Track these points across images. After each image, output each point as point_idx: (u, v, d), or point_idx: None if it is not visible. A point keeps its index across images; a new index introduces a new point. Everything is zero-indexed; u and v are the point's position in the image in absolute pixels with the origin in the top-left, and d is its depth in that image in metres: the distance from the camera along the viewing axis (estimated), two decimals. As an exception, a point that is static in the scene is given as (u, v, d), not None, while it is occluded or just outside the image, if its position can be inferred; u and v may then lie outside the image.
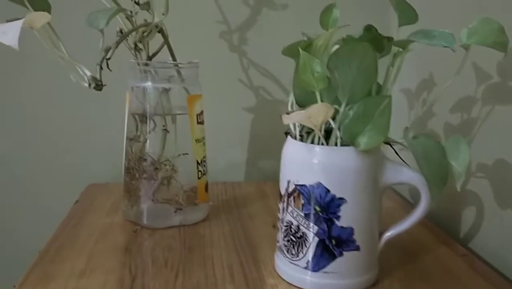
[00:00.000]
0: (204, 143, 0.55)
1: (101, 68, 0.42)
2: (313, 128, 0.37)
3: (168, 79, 0.52)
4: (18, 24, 0.36)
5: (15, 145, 0.69)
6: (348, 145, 0.38)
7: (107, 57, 0.43)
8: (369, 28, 0.37)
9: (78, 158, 0.71)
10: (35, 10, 0.44)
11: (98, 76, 0.42)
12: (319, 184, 0.38)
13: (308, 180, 0.38)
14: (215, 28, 0.69)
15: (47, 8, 0.44)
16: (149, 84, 0.51)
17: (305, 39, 0.42)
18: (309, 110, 0.35)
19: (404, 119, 0.66)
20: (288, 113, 0.36)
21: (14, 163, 0.70)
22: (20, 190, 0.71)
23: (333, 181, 0.38)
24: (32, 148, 0.69)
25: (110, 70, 0.43)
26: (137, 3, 0.50)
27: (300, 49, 0.37)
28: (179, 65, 0.52)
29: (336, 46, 0.42)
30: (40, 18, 0.38)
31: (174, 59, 0.53)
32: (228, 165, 0.73)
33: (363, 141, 0.37)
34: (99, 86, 0.42)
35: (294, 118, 0.38)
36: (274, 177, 0.78)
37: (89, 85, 0.41)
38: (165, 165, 0.53)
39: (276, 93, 0.72)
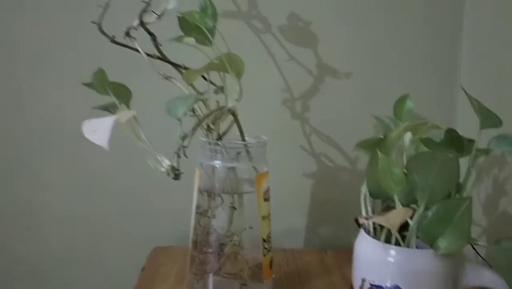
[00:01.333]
0: (269, 219, 0.55)
1: (179, 156, 0.44)
2: (390, 228, 0.37)
3: (236, 157, 0.53)
4: (108, 123, 0.38)
5: (80, 201, 0.72)
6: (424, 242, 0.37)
7: (184, 145, 0.44)
8: (449, 131, 0.37)
9: (142, 220, 0.73)
10: (117, 98, 0.46)
11: (176, 164, 0.43)
12: (397, 287, 0.37)
13: (384, 281, 0.37)
14: (278, 95, 0.70)
15: (129, 96, 0.47)
16: (218, 162, 0.53)
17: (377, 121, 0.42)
18: (388, 216, 0.35)
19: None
20: (366, 218, 0.35)
21: (79, 219, 0.72)
22: (83, 247, 0.73)
23: (411, 284, 0.37)
24: (97, 205, 0.72)
25: (187, 157, 0.45)
26: (212, 83, 0.53)
27: (378, 152, 0.37)
28: (248, 144, 0.53)
29: (409, 134, 0.42)
30: (127, 114, 0.40)
31: (243, 138, 0.54)
32: (288, 230, 0.73)
33: (443, 244, 0.36)
34: (177, 175, 0.43)
35: (372, 220, 0.38)
36: (333, 244, 0.78)
37: (168, 174, 0.43)
38: (232, 240, 0.54)
39: (337, 160, 0.72)
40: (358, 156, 0.72)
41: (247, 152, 0.53)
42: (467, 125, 0.40)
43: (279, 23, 0.68)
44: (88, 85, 0.45)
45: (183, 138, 0.45)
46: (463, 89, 0.38)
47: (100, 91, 0.44)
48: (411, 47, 0.70)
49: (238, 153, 0.53)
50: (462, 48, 0.70)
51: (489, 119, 0.37)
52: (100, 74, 0.43)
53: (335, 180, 0.72)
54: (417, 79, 0.71)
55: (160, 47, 0.51)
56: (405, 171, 0.37)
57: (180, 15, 0.48)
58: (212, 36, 0.47)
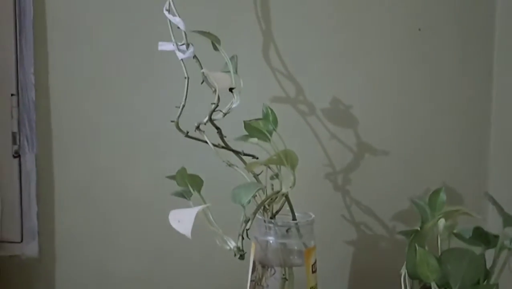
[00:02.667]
0: (317, 289, 0.62)
1: (243, 238, 0.52)
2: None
3: (287, 233, 0.61)
4: (191, 215, 0.47)
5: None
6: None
7: (247, 228, 0.53)
8: (477, 228, 0.44)
9: (196, 279, 0.80)
10: (192, 187, 0.55)
11: (240, 245, 0.51)
12: None
13: None
14: (321, 170, 0.78)
15: (201, 185, 0.56)
16: (271, 238, 0.60)
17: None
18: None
19: None
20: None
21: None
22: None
23: None
24: (158, 268, 0.80)
25: (249, 239, 0.53)
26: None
27: (416, 246, 0.44)
28: (298, 223, 0.61)
29: (443, 221, 0.49)
30: (204, 206, 0.49)
31: (294, 217, 0.62)
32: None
33: (473, 326, 0.42)
34: (242, 256, 0.51)
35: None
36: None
37: (234, 254, 0.51)
38: (283, 308, 0.61)
39: (377, 229, 0.78)
40: (395, 225, 0.78)
41: (297, 229, 0.61)
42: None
43: (323, 106, 0.77)
44: (172, 177, 0.54)
45: (246, 222, 0.53)
46: (488, 194, 0.45)
47: (180, 184, 0.53)
48: (446, 139, 0.77)
49: (289, 229, 0.61)
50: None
51: (509, 220, 0.43)
52: (182, 171, 0.52)
53: (375, 249, 0.78)
54: (449, 168, 0.77)
55: (225, 138, 0.60)
56: (440, 258, 0.43)
57: (246, 123, 0.57)
58: (271, 135, 0.56)
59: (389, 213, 0.78)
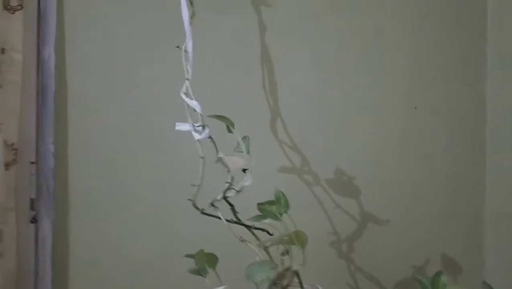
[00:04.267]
0: None
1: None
2: None
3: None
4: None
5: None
6: None
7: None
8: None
9: None
10: (208, 264, 0.58)
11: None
12: None
13: None
14: (326, 238, 0.81)
15: (216, 262, 0.59)
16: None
17: None
18: None
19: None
20: None
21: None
22: None
23: None
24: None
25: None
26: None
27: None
28: (308, 296, 0.64)
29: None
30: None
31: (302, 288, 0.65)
32: None
33: None
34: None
35: None
36: None
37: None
38: None
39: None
40: (398, 293, 0.81)
41: (307, 302, 0.64)
42: None
43: (327, 177, 0.81)
44: (190, 256, 0.58)
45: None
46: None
47: (198, 263, 0.56)
48: (443, 207, 0.82)
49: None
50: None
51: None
52: (200, 253, 0.56)
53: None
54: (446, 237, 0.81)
55: (237, 214, 0.64)
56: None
57: (260, 206, 0.61)
58: (281, 216, 0.60)
59: (392, 281, 0.81)
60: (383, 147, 0.82)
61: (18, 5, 0.80)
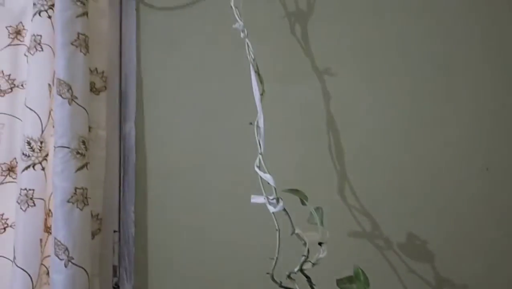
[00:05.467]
0: None
1: None
2: None
3: None
4: None
5: None
6: None
7: None
8: None
9: None
10: None
11: None
12: None
13: None
14: (401, 304, 0.80)
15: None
16: None
17: None
18: None
19: None
20: None
21: None
22: None
23: None
24: None
25: None
26: None
27: None
28: None
29: None
30: None
31: None
32: None
33: None
34: None
35: None
36: None
37: None
38: None
39: None
40: None
41: None
42: None
43: (399, 241, 0.81)
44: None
45: None
46: None
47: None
48: None
49: None
50: None
51: None
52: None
53: None
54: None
55: (314, 286, 0.65)
56: None
57: (340, 285, 0.63)
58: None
59: None
60: (457, 211, 0.80)
61: (103, 87, 0.89)
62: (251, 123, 0.72)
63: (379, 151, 0.83)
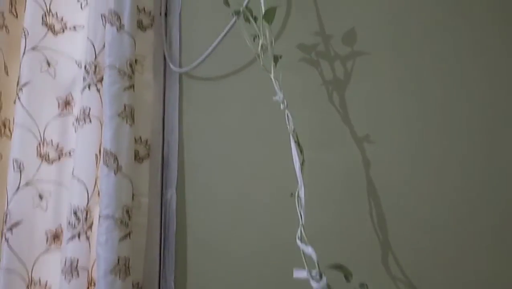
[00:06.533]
0: None
1: None
2: None
3: None
4: None
5: None
6: None
7: None
8: None
9: None
10: None
11: None
12: None
13: None
14: None
15: None
16: None
17: None
18: None
19: None
20: None
21: None
22: None
23: None
24: None
25: None
26: None
27: None
28: None
29: None
30: None
31: None
32: None
33: None
34: None
35: None
36: None
37: None
38: None
39: None
40: None
41: None
42: None
43: None
44: None
45: None
46: None
47: None
48: None
49: None
50: None
51: None
52: None
53: None
54: None
55: None
56: None
57: None
58: None
59: None
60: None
61: (146, 154, 0.91)
62: (292, 195, 0.72)
63: (422, 218, 0.81)
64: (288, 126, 0.75)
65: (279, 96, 0.77)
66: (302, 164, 0.74)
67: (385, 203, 0.83)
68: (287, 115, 0.76)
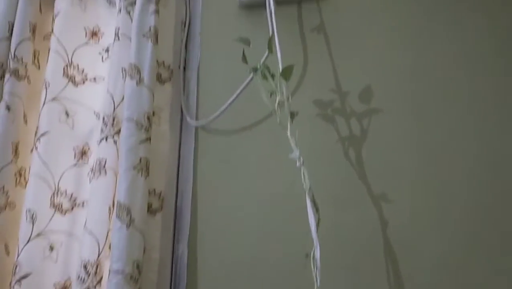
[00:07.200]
0: None
1: None
2: None
3: None
4: None
5: None
6: None
7: None
8: None
9: None
10: None
11: None
12: None
13: None
14: None
15: None
16: None
17: None
18: None
19: None
20: None
21: None
22: None
23: None
24: None
25: None
26: None
27: None
28: None
29: None
30: None
31: None
32: None
33: None
34: None
35: None
36: None
37: None
38: None
39: None
40: None
41: None
42: None
43: None
44: None
45: None
46: None
47: None
48: None
49: None
50: None
51: None
52: None
53: None
54: None
55: None
56: None
57: None
58: None
59: None
60: None
61: (159, 207, 0.90)
62: (307, 256, 0.70)
63: (441, 280, 0.78)
64: (304, 184, 0.74)
65: (295, 153, 0.77)
66: (317, 223, 0.73)
67: (403, 263, 0.81)
68: (303, 173, 0.75)
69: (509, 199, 0.81)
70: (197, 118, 0.98)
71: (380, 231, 0.83)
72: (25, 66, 1.01)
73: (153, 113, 0.93)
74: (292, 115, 0.81)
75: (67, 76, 1.03)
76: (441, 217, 0.82)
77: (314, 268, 0.69)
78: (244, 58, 0.86)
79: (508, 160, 0.83)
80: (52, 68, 1.02)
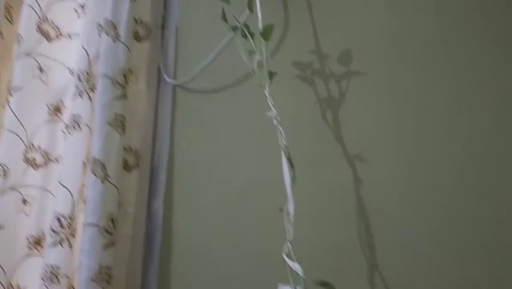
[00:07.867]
0: None
1: None
2: None
3: None
4: None
5: None
6: None
7: None
8: None
9: None
10: None
11: None
12: None
13: None
14: None
15: None
16: None
17: None
18: None
19: None
20: None
21: None
22: None
23: None
24: None
25: None
26: None
27: None
28: None
29: None
30: None
31: None
32: None
33: None
34: None
35: None
36: None
37: None
38: None
39: None
40: None
41: None
42: None
43: None
44: None
45: None
46: None
47: None
48: None
49: None
50: None
51: None
52: None
53: None
54: None
55: None
56: None
57: None
58: None
59: None
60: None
61: (135, 164, 0.90)
62: (281, 209, 0.71)
63: (411, 238, 0.80)
64: (280, 142, 0.75)
65: (273, 111, 0.77)
66: (292, 180, 0.74)
67: (375, 222, 0.82)
68: (280, 131, 0.76)
69: (489, 160, 0.82)
70: (175, 77, 0.97)
71: (354, 190, 0.84)
72: (-3, 19, 0.98)
73: (130, 72, 0.91)
74: (271, 75, 0.81)
75: (41, 31, 1.01)
76: (415, 178, 0.84)
77: (287, 221, 0.70)
78: (224, 17, 0.85)
79: (483, 122, 0.85)
80: (25, 23, 0.99)
